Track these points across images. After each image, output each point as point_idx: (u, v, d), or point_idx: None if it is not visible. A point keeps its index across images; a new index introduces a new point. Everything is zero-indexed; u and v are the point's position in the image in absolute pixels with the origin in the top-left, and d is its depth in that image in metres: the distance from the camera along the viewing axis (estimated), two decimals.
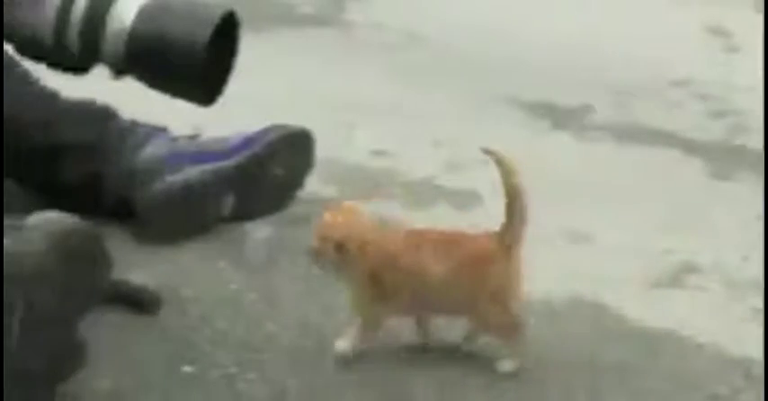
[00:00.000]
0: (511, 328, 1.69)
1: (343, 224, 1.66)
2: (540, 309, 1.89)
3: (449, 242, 1.69)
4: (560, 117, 2.73)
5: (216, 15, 1.60)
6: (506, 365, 1.70)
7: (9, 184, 2.03)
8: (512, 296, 1.67)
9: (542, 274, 1.96)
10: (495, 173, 2.33)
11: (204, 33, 1.57)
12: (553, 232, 2.15)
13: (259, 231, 2.08)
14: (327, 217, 1.66)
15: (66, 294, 1.39)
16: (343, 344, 1.69)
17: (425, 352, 1.75)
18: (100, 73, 1.70)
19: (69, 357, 1.45)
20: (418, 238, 1.69)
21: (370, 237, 1.66)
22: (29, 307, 1.34)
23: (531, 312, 1.84)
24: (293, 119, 2.12)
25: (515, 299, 1.67)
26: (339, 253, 1.63)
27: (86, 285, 1.43)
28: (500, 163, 1.67)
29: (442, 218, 2.17)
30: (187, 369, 1.68)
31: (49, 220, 1.39)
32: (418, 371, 1.69)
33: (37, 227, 1.37)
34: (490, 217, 2.16)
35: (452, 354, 1.75)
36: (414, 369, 1.70)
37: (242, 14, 1.81)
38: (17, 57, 1.77)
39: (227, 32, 1.63)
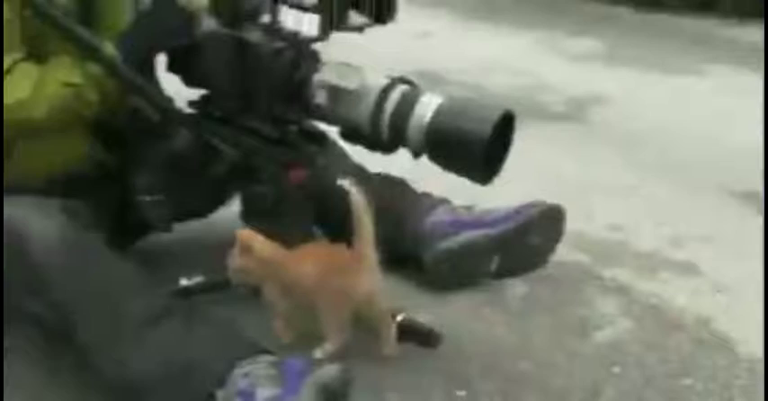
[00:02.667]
0: (339, 322, 1.74)
1: (259, 246, 1.73)
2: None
3: (320, 255, 1.76)
4: (763, 205, 2.68)
5: (497, 114, 1.62)
6: (322, 352, 1.73)
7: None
8: (354, 295, 1.73)
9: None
10: (712, 249, 2.34)
11: (486, 129, 1.57)
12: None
13: (518, 287, 2.11)
14: (239, 245, 1.74)
15: None
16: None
17: None
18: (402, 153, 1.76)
19: None
20: (300, 253, 1.75)
21: (277, 254, 1.74)
22: None
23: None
24: (547, 196, 2.14)
25: (357, 299, 1.73)
26: (262, 267, 1.73)
27: None
28: (354, 202, 1.70)
29: (666, 284, 2.18)
30: (460, 393, 1.74)
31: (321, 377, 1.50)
32: None
33: (314, 385, 1.49)
34: (708, 284, 2.18)
35: None
36: None
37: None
38: (339, 140, 1.85)
39: (504, 126, 1.65)
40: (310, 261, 1.74)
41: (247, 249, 1.73)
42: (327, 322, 1.75)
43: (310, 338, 1.75)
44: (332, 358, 1.70)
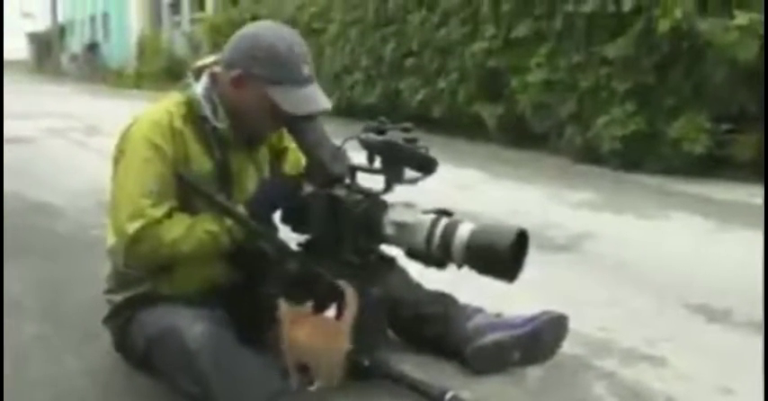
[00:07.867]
0: (330, 368, 1.76)
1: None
2: None
3: (317, 321, 1.78)
4: (714, 315, 2.64)
5: (514, 231, 1.64)
6: (315, 387, 1.75)
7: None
8: (341, 350, 1.77)
9: None
10: (675, 347, 2.30)
11: (507, 242, 1.60)
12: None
13: (534, 372, 2.11)
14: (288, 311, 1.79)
15: None
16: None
17: None
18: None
19: None
20: (304, 318, 1.77)
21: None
22: None
23: None
24: (554, 306, 2.17)
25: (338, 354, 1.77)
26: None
27: None
28: (348, 293, 1.75)
29: (642, 372, 2.14)
30: None
31: None
32: None
33: None
34: (673, 373, 2.15)
35: None
36: None
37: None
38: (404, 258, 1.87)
39: (521, 240, 1.68)
40: (309, 326, 1.79)
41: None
42: (321, 368, 1.78)
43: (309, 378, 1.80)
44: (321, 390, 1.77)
